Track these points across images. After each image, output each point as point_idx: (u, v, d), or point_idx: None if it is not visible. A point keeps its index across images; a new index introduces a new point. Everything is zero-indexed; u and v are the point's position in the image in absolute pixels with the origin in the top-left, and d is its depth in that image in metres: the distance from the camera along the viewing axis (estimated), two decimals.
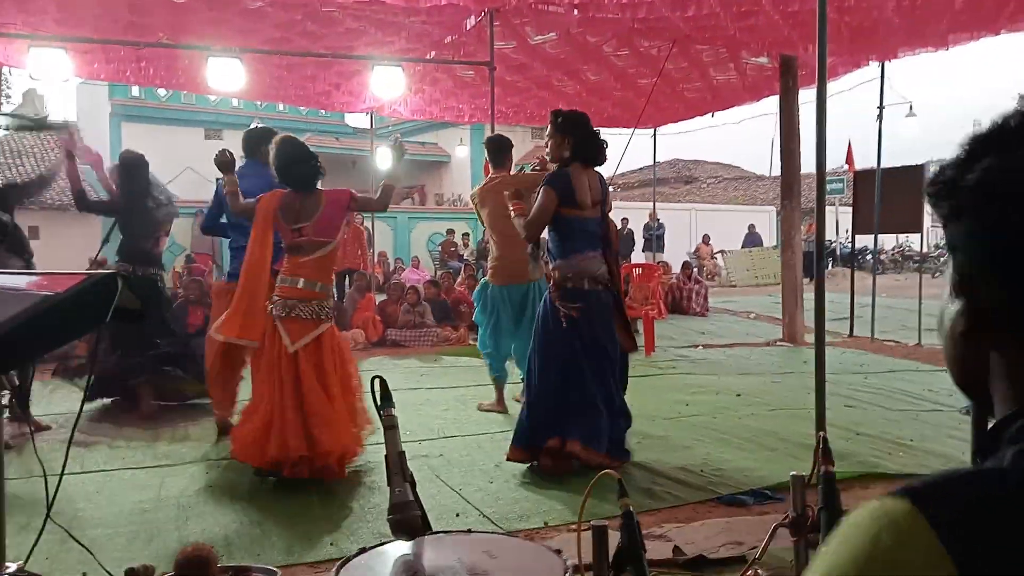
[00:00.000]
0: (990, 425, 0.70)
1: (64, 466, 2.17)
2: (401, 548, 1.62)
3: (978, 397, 0.72)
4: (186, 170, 17.50)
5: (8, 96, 20.62)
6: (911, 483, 0.62)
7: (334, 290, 9.49)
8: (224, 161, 4.41)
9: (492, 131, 7.61)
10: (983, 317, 0.68)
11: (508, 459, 4.25)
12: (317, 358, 4.11)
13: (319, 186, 4.29)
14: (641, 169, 29.45)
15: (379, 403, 1.67)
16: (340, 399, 4.14)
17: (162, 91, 18.27)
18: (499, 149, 5.69)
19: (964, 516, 0.58)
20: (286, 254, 4.27)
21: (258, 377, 4.29)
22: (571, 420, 4.12)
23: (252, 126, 5.88)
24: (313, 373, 4.07)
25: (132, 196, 5.75)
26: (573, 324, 4.18)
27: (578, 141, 4.28)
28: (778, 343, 9.61)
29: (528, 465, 4.26)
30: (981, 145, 0.68)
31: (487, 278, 5.71)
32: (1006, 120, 0.67)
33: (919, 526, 0.58)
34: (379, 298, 11.01)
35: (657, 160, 14.82)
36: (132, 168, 5.81)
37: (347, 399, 4.21)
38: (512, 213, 4.49)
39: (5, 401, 2.03)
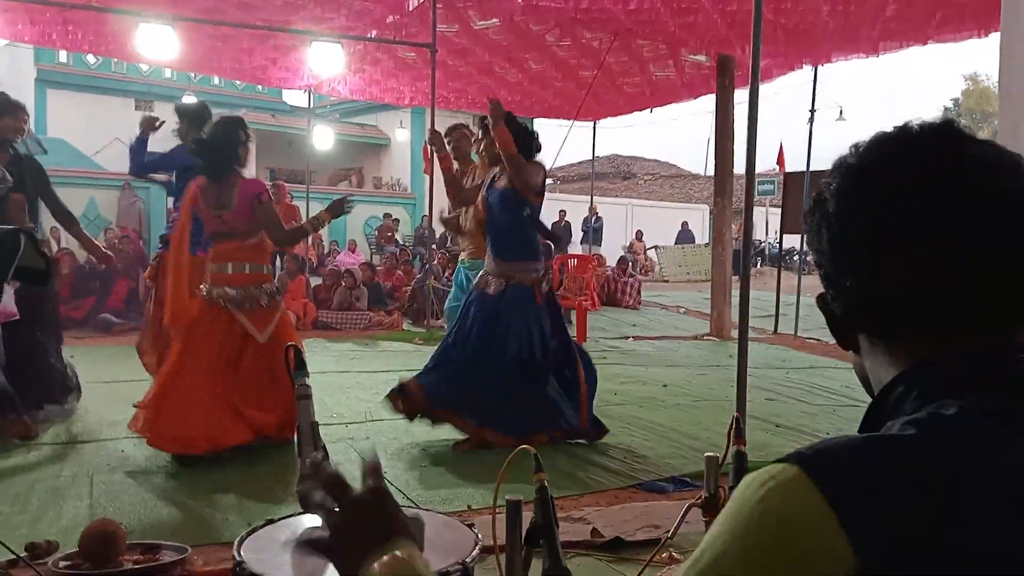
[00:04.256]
0: None
1: None
2: (309, 520, 1.60)
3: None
4: (114, 140, 16.84)
5: None
6: (799, 449, 0.64)
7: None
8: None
9: (432, 116, 7.54)
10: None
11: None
12: (273, 343, 4.07)
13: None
14: (580, 163, 29.68)
15: (292, 372, 1.64)
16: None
17: (91, 58, 17.59)
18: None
19: (850, 478, 0.59)
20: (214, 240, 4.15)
21: (191, 363, 4.04)
22: None
23: (184, 98, 5.49)
24: (266, 358, 4.04)
25: None
26: None
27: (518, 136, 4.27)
28: (705, 337, 9.80)
29: (455, 450, 4.28)
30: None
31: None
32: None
33: (807, 488, 0.59)
34: (313, 281, 10.84)
35: (596, 154, 14.91)
36: None
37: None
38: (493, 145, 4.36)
39: None
